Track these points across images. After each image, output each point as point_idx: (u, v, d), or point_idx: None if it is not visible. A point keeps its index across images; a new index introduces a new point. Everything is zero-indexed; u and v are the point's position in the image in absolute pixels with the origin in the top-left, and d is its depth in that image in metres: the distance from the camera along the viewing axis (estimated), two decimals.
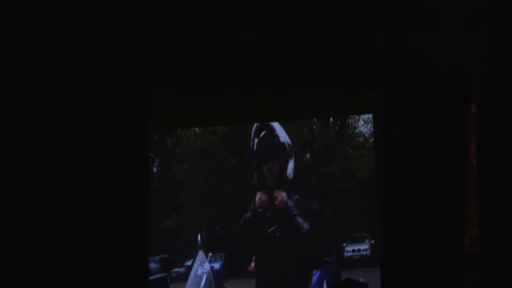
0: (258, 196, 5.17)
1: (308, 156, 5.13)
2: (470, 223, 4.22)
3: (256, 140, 5.14)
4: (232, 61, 4.27)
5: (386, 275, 4.37)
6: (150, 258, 4.66)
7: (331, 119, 5.05)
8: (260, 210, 5.15)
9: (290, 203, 5.11)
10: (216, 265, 5.17)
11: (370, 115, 4.79)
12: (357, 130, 5.00)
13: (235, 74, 4.31)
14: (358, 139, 5.04)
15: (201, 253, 5.13)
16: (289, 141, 5.09)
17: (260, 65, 4.25)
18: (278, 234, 5.06)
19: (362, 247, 4.96)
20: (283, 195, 5.12)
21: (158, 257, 5.10)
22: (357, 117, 4.92)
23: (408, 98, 4.24)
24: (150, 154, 4.79)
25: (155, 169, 5.13)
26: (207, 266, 5.11)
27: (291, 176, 5.16)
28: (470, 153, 4.20)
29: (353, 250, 4.98)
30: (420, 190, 4.25)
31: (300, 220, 5.06)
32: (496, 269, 4.09)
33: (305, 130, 5.07)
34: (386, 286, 4.36)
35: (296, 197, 5.12)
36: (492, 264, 4.11)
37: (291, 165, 5.13)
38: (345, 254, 4.98)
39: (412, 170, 4.24)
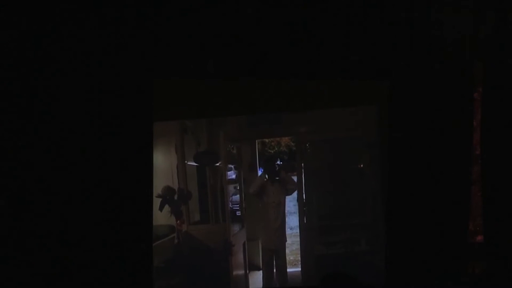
0: None
1: None
2: (475, 212, 4.19)
3: None
4: (234, 51, 4.30)
5: (391, 266, 4.33)
6: None
7: None
8: None
9: None
10: None
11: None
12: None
13: (237, 64, 4.34)
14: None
15: None
16: None
17: (264, 55, 4.29)
18: None
19: None
20: None
21: None
22: None
23: (412, 88, 4.27)
24: None
25: None
26: None
27: None
28: (474, 143, 4.20)
29: None
30: (424, 181, 4.24)
31: None
32: (501, 257, 4.04)
33: None
34: (390, 278, 4.32)
35: None
36: (497, 253, 4.06)
37: None
38: None
39: (416, 159, 4.24)
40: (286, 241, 5.89)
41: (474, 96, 4.22)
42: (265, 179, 5.89)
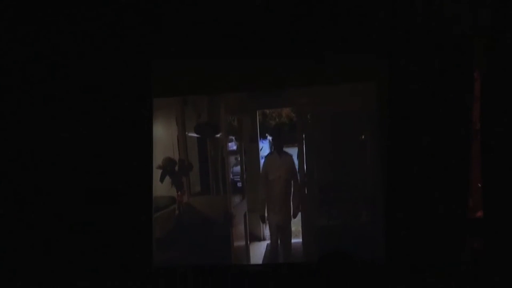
0: None
1: None
2: (474, 187, 4.17)
3: None
4: (233, 28, 4.23)
5: (390, 242, 4.32)
6: None
7: None
8: None
9: None
10: None
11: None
12: None
13: (237, 40, 4.27)
14: None
15: None
16: None
17: (262, 31, 4.22)
18: None
19: None
20: None
21: None
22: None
23: (412, 64, 4.20)
24: None
25: None
26: None
27: None
28: (474, 118, 4.15)
29: None
30: (424, 156, 4.20)
31: None
32: (500, 234, 4.03)
33: None
34: (389, 252, 4.31)
35: None
36: (495, 229, 4.04)
37: None
38: None
39: (416, 135, 4.20)
40: (291, 217, 5.88)
41: (474, 72, 4.14)
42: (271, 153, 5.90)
